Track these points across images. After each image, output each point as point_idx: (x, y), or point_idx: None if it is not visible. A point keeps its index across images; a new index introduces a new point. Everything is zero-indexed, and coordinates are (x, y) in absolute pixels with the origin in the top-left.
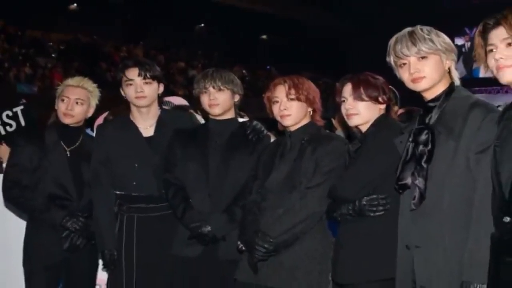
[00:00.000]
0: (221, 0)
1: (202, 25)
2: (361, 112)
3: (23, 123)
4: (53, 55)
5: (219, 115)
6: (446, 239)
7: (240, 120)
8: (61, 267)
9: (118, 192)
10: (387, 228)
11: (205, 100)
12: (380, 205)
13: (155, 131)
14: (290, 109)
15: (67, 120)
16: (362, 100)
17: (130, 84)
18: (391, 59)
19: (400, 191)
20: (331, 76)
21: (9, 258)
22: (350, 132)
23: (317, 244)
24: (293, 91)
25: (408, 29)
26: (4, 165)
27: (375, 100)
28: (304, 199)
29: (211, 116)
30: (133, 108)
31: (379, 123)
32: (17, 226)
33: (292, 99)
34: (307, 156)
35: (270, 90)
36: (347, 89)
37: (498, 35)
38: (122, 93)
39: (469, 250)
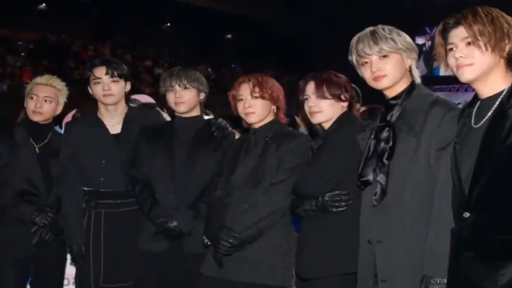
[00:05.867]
0: None
1: (168, 24)
2: (324, 110)
3: None
4: (22, 53)
5: (184, 112)
6: (407, 234)
7: (206, 117)
8: (30, 262)
9: (86, 188)
10: (349, 224)
11: (171, 98)
12: (342, 200)
13: (122, 128)
14: (254, 107)
15: (36, 118)
16: (325, 98)
17: (98, 83)
18: (353, 57)
19: (362, 187)
20: (295, 74)
21: None
22: (313, 130)
23: (281, 239)
24: (257, 89)
25: (370, 28)
26: None
27: (338, 98)
28: (268, 195)
29: (177, 114)
30: (100, 106)
31: (341, 121)
32: None
33: (256, 97)
34: (271, 153)
35: (235, 88)
36: (310, 87)
37: (458, 34)
38: (90, 91)
39: (429, 244)
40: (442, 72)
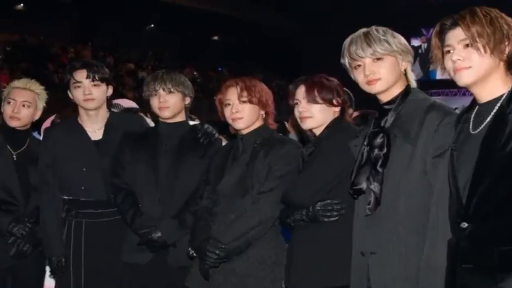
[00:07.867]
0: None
1: (152, 25)
2: (315, 115)
3: None
4: None
5: (169, 118)
6: (402, 245)
7: (191, 123)
8: (8, 274)
9: (66, 197)
10: (341, 234)
11: (155, 102)
12: (334, 210)
13: (104, 134)
14: (242, 112)
15: (13, 123)
16: (316, 102)
17: (78, 87)
18: (345, 60)
19: (355, 196)
20: (284, 78)
21: None
22: (304, 136)
23: (270, 251)
24: (245, 94)
25: (363, 30)
26: None
27: (329, 102)
28: (257, 204)
29: (161, 119)
30: (81, 111)
31: (333, 126)
32: None
33: (244, 102)
34: (260, 160)
35: (222, 92)
36: (301, 91)
37: (455, 36)
38: (70, 95)
39: (425, 256)
40: (439, 75)
